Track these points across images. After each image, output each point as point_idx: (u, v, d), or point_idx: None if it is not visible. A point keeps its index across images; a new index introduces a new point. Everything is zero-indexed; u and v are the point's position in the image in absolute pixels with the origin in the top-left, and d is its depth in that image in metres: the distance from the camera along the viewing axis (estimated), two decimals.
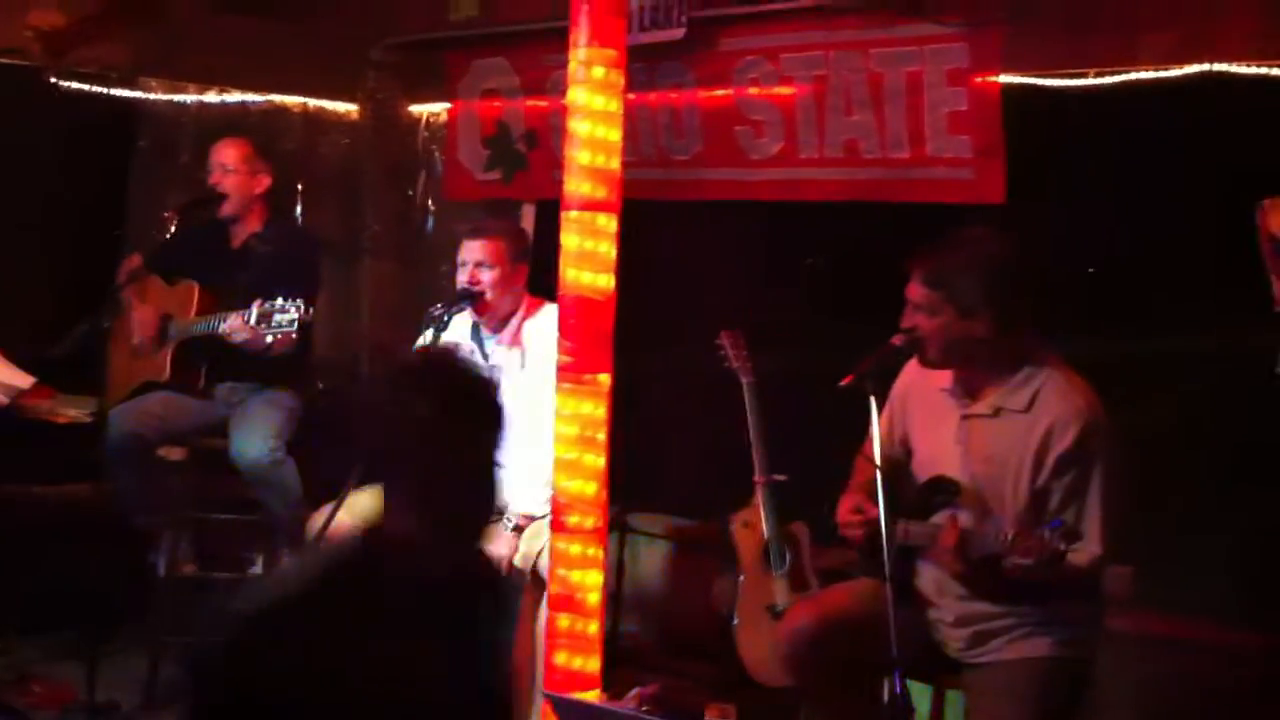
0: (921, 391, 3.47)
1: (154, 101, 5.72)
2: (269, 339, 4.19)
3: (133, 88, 5.67)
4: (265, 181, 4.81)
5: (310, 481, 4.53)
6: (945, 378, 3.37)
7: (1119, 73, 4.04)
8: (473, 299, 4.11)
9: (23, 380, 4.42)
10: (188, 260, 4.76)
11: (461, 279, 4.15)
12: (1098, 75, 4.09)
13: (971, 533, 3.11)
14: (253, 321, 4.19)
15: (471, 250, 4.15)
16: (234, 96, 5.87)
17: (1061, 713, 3.26)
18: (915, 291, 3.25)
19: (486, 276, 4.12)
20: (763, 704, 4.20)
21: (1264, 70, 3.84)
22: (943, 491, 3.29)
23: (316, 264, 4.89)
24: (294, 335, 4.18)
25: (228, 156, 4.74)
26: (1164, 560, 4.00)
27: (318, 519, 4.00)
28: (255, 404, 4.63)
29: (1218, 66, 3.87)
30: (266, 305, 4.16)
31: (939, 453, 3.36)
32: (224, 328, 4.31)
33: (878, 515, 3.22)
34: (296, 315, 4.13)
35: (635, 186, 3.76)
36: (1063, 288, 4.14)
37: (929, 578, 3.37)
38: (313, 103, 6.09)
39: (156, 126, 5.79)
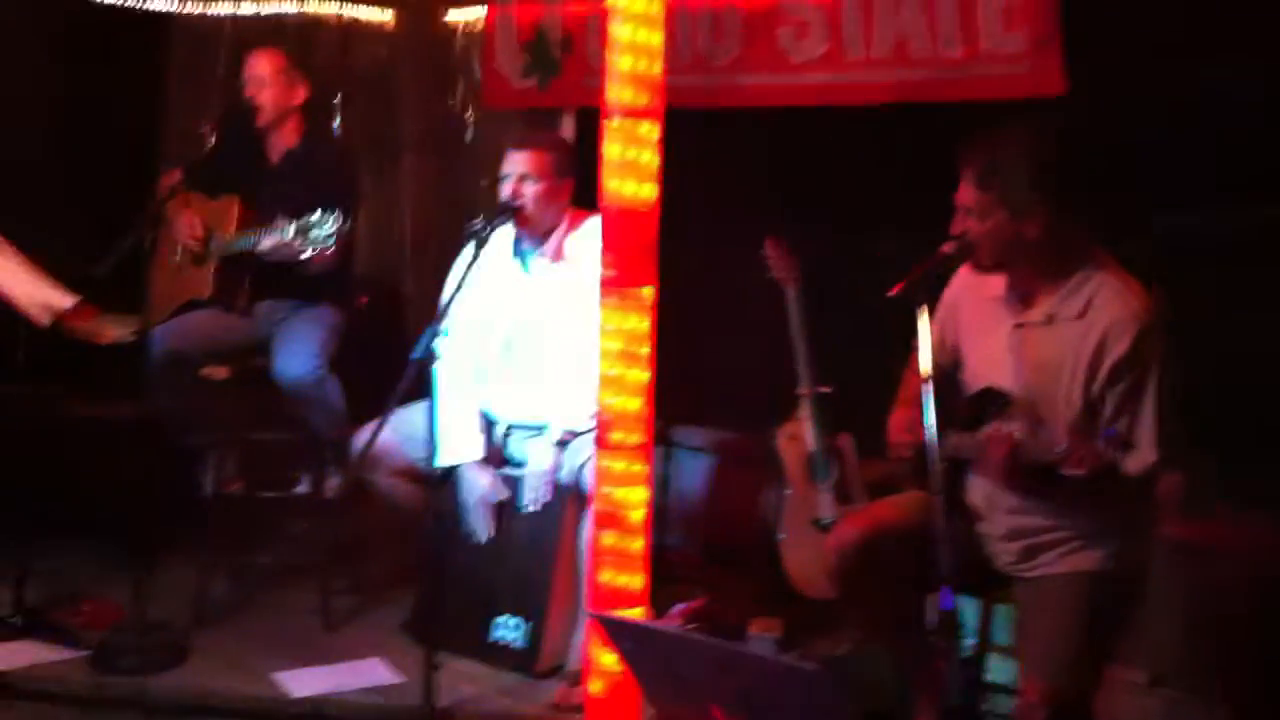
0: (972, 301, 3.38)
1: (188, 15, 5.65)
2: (306, 253, 4.13)
3: (168, 2, 5.59)
4: (301, 93, 4.74)
5: (354, 398, 4.52)
6: (997, 286, 3.28)
7: None
8: (513, 212, 4.04)
9: (65, 300, 4.40)
10: (227, 174, 4.71)
11: (505, 191, 4.08)
12: None
13: (1023, 444, 3.04)
14: (289, 237, 4.14)
15: (515, 162, 4.08)
16: (269, 8, 5.79)
17: (1113, 625, 3.21)
18: (965, 194, 3.16)
19: (530, 190, 4.05)
20: (809, 618, 4.19)
21: None
22: (994, 403, 3.22)
23: (354, 178, 4.83)
24: (330, 250, 4.12)
25: (263, 68, 4.68)
26: (1214, 468, 3.92)
27: (362, 436, 3.99)
28: (298, 321, 4.60)
29: None
30: (304, 219, 4.10)
31: (990, 362, 3.29)
32: (262, 244, 4.27)
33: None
34: (334, 229, 4.07)
35: (675, 93, 3.66)
36: (1122, 182, 4.00)
37: (978, 491, 3.31)
38: (348, 12, 5.99)
39: (192, 40, 5.73)
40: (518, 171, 4.07)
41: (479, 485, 4.12)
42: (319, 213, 4.09)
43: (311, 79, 4.84)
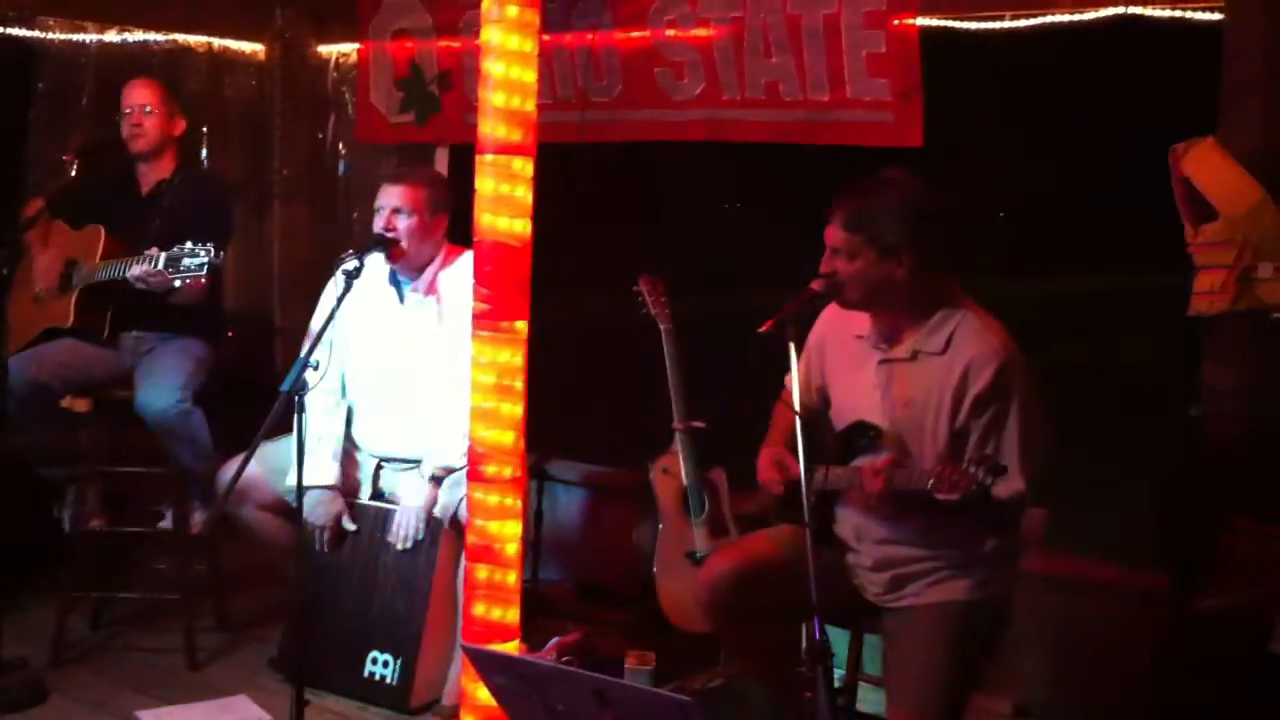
0: (838, 339, 3.46)
1: (53, 41, 5.52)
2: (177, 283, 4.06)
3: (31, 27, 5.47)
4: (180, 124, 4.68)
5: (222, 432, 4.44)
6: (861, 324, 3.37)
7: (1035, 15, 4.04)
8: (386, 245, 4.03)
9: None
10: (94, 203, 4.61)
11: (377, 224, 4.06)
12: (1014, 17, 4.09)
13: (896, 473, 3.11)
14: (160, 265, 4.05)
15: (389, 195, 4.07)
16: (136, 35, 5.69)
17: (978, 655, 3.28)
18: (834, 235, 3.24)
19: (403, 224, 4.04)
20: (684, 650, 4.22)
21: (1178, 13, 3.86)
22: (863, 436, 3.29)
23: (228, 211, 4.76)
24: (203, 280, 4.06)
25: (144, 97, 4.59)
26: (1076, 502, 4.05)
27: (229, 470, 3.93)
28: (162, 353, 4.51)
29: (1133, 9, 3.88)
30: (175, 249, 4.03)
31: (858, 399, 3.36)
32: (133, 271, 4.17)
33: (799, 473, 3.22)
34: (206, 259, 3.99)
35: (553, 130, 3.70)
36: (978, 231, 4.15)
37: (848, 523, 3.38)
38: (218, 42, 5.93)
39: (56, 67, 5.60)
40: (391, 205, 4.05)
41: (323, 511, 4.08)
42: (190, 244, 4.03)
43: (184, 112, 4.78)
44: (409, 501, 4.05)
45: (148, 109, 4.58)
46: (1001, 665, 3.61)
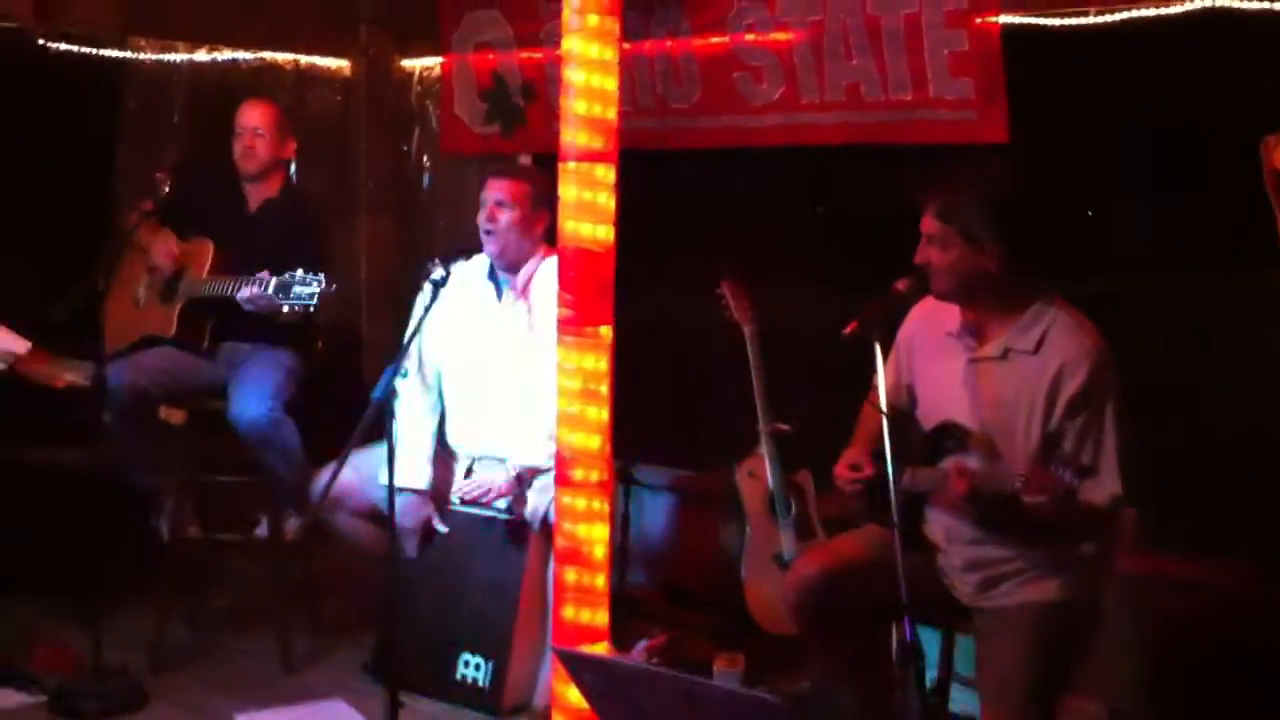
0: (926, 337, 3.44)
1: (143, 61, 5.65)
2: (285, 309, 4.15)
3: (121, 48, 5.60)
4: (291, 146, 4.80)
5: (313, 441, 4.51)
6: (951, 321, 3.34)
7: (1120, 10, 3.99)
8: (469, 253, 4.09)
9: (19, 345, 4.39)
10: (201, 216, 4.70)
11: (481, 217, 4.15)
12: (1099, 13, 4.05)
13: (982, 475, 3.09)
14: (270, 291, 4.14)
15: (493, 189, 4.16)
16: (224, 54, 5.80)
17: (1070, 655, 3.26)
18: (929, 224, 3.22)
19: (504, 217, 4.11)
20: (772, 653, 4.21)
21: (1267, 5, 3.79)
22: (951, 437, 3.27)
23: (325, 231, 4.85)
24: (312, 309, 4.14)
25: (259, 119, 4.70)
26: (1169, 501, 3.99)
27: (323, 478, 4.00)
28: (254, 364, 4.59)
29: (1220, 2, 3.82)
30: (287, 276, 4.11)
31: (946, 398, 3.34)
32: (243, 294, 4.25)
33: (873, 473, 3.21)
34: (318, 289, 4.08)
35: (634, 136, 3.72)
36: (1069, 227, 4.11)
37: (937, 524, 3.35)
38: (304, 59, 6.03)
39: (146, 86, 5.72)
40: (495, 198, 4.14)
41: (413, 515, 4.12)
42: (301, 271, 4.10)
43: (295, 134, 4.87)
44: (489, 474, 4.10)
45: (259, 131, 4.68)
46: (1094, 666, 3.57)
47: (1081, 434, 3.10)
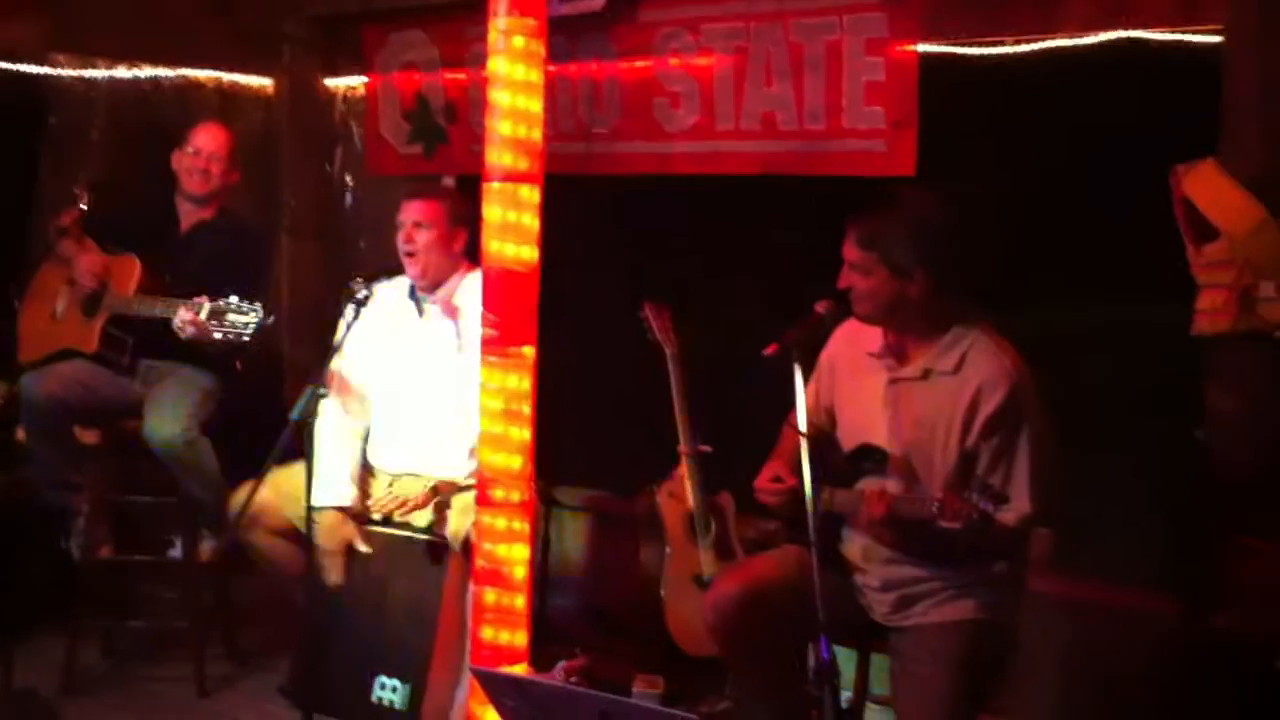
0: (848, 358, 3.49)
1: (63, 77, 5.58)
2: (217, 336, 4.08)
3: (42, 64, 5.53)
4: (236, 176, 4.71)
5: (232, 462, 4.46)
6: (873, 342, 3.39)
7: (1037, 40, 4.08)
8: (393, 273, 4.07)
9: None
10: (128, 232, 4.61)
11: (399, 239, 4.13)
12: (1015, 43, 4.13)
13: (899, 499, 3.13)
14: (203, 316, 4.07)
15: (409, 210, 4.14)
16: (146, 71, 5.75)
17: (986, 675, 3.29)
18: (850, 251, 3.26)
19: (422, 238, 4.10)
20: (691, 675, 4.22)
21: (1178, 36, 3.89)
22: (869, 459, 3.31)
23: (267, 262, 4.80)
24: (246, 339, 4.07)
25: (214, 143, 4.63)
26: (1083, 525, 4.05)
27: (239, 498, 3.95)
28: (170, 383, 4.52)
29: (1133, 33, 3.91)
30: (222, 303, 4.05)
31: (866, 418, 3.38)
32: (175, 320, 4.17)
33: (794, 485, 3.23)
34: (255, 320, 4.02)
35: (556, 161, 3.74)
36: (985, 255, 4.17)
37: (854, 543, 3.39)
38: (227, 77, 5.98)
39: (67, 103, 5.66)
40: (411, 219, 4.12)
41: (335, 535, 4.08)
42: (237, 299, 4.05)
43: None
44: (406, 488, 4.08)
45: (216, 155, 4.62)
46: (1010, 688, 3.62)
47: (996, 454, 3.15)
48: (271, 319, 4.10)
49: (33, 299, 4.59)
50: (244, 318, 4.03)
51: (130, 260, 4.51)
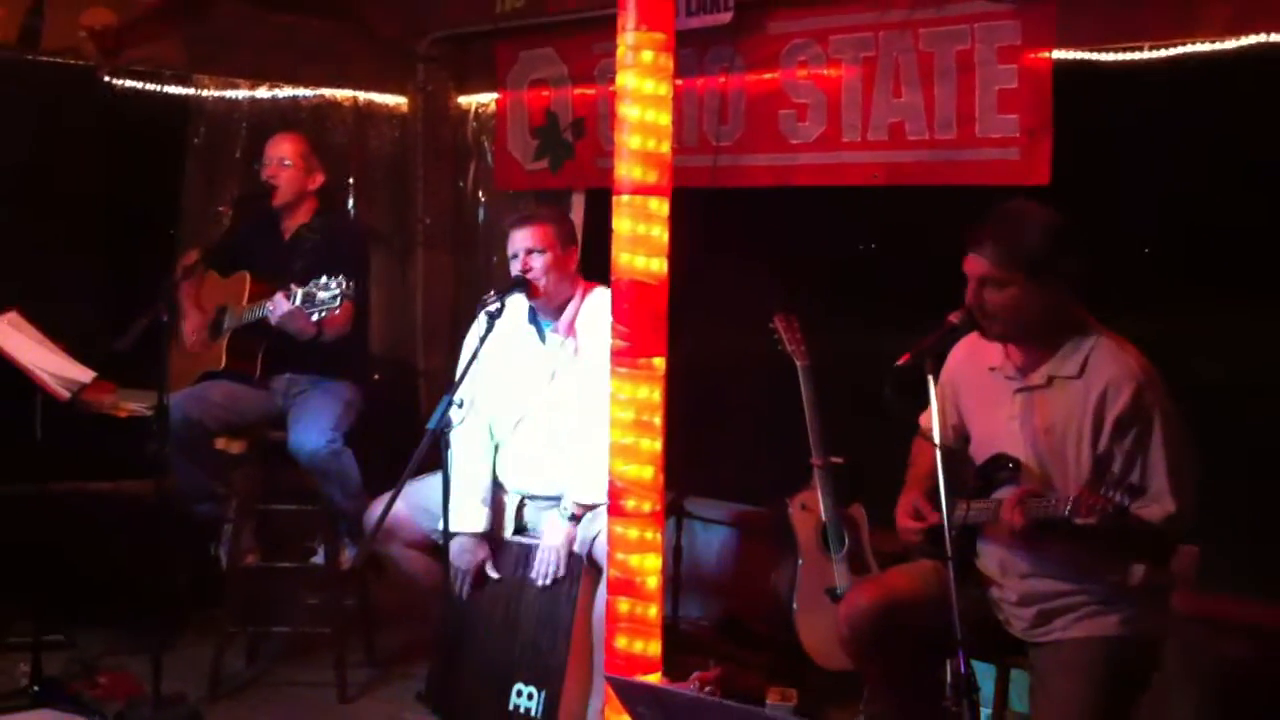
0: (971, 374, 3.45)
1: (207, 98, 5.76)
2: (314, 317, 4.21)
3: (186, 85, 5.71)
4: (319, 178, 4.86)
5: (370, 471, 4.56)
6: (994, 356, 3.36)
7: (1175, 45, 3.99)
8: (525, 285, 4.12)
9: (83, 375, 4.45)
10: (242, 253, 4.82)
11: (515, 268, 4.16)
12: (1152, 49, 4.04)
13: (1034, 503, 3.08)
14: (297, 302, 4.20)
15: (520, 239, 4.16)
16: (285, 91, 5.91)
17: (1128, 692, 3.22)
18: (978, 265, 3.22)
19: (538, 262, 4.13)
20: (825, 688, 4.20)
21: None
22: (1003, 469, 3.27)
23: (364, 251, 4.92)
24: (338, 312, 4.19)
25: (285, 150, 4.80)
26: (1232, 542, 3.95)
27: (377, 508, 4.04)
28: (313, 395, 4.66)
29: (1275, 36, 3.81)
30: (310, 285, 4.18)
31: (997, 431, 3.34)
32: (269, 308, 4.34)
33: (936, 521, 3.19)
34: (339, 290, 4.13)
35: (683, 174, 3.75)
36: (1117, 265, 4.10)
37: (991, 557, 3.35)
38: (363, 96, 6.13)
39: (210, 123, 5.83)
40: (525, 246, 4.15)
41: (469, 558, 4.14)
42: (324, 277, 4.17)
43: (327, 160, 4.95)
44: (550, 540, 4.11)
45: (286, 162, 4.78)
46: (1154, 707, 3.54)
47: (1130, 454, 3.10)
48: (353, 288, 4.17)
49: (177, 334, 4.81)
50: (328, 293, 4.14)
51: (240, 277, 4.71)
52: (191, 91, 5.74)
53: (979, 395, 3.44)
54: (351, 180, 6.09)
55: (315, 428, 4.51)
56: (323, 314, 4.20)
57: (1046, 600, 3.24)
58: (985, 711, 3.52)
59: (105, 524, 4.85)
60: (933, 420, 3.13)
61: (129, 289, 5.18)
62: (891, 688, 3.50)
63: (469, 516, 4.15)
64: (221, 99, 5.79)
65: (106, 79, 5.42)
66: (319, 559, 4.70)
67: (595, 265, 4.07)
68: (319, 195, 4.88)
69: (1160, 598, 3.27)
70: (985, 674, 3.48)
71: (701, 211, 4.18)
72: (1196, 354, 4.03)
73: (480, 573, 4.17)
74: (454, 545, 4.09)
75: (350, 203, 6.08)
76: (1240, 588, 4.03)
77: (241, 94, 5.82)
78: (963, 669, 2.93)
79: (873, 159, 4.65)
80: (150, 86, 5.59)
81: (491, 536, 4.21)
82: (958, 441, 3.49)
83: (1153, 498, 3.06)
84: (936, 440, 3.09)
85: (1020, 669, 3.45)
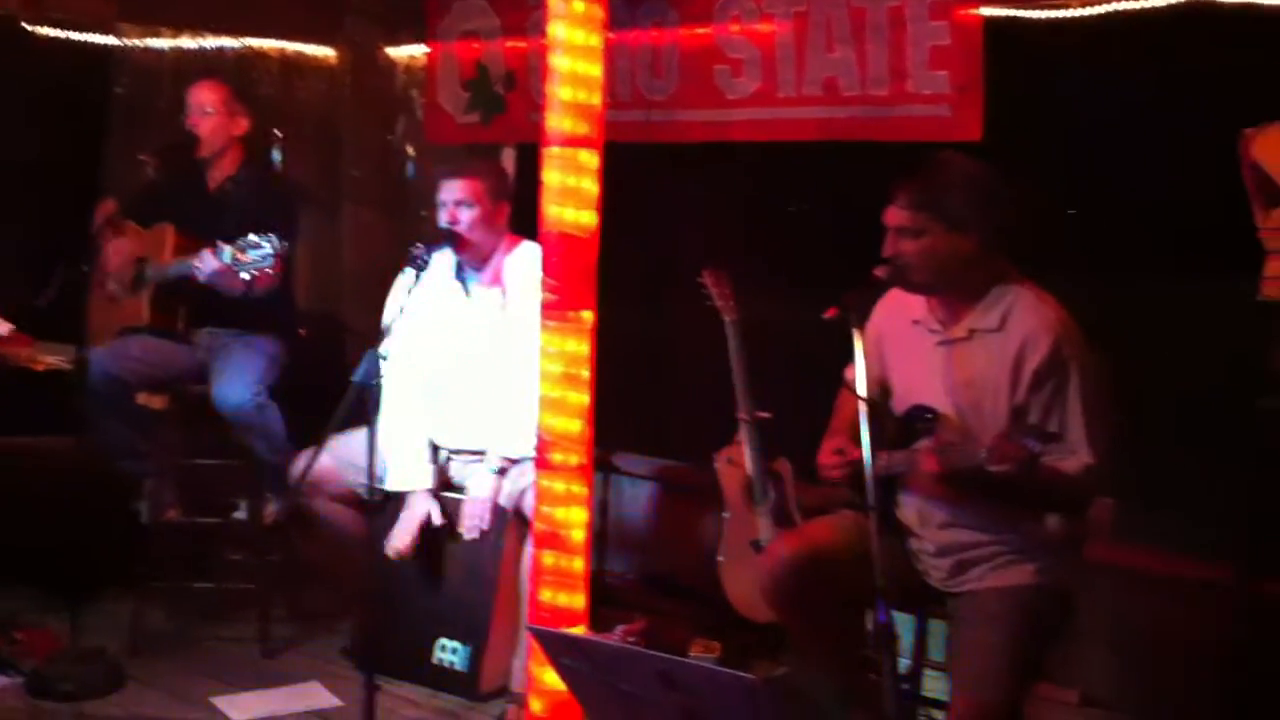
0: (894, 327, 3.47)
1: (130, 47, 5.65)
2: (245, 276, 4.14)
3: (109, 34, 5.60)
4: (243, 124, 4.77)
5: (296, 427, 4.52)
6: (917, 309, 3.38)
7: (1102, 3, 4.01)
8: (453, 239, 4.09)
9: (1, 327, 4.38)
10: (164, 204, 4.73)
11: (442, 218, 4.13)
12: (1081, 5, 4.06)
13: (950, 451, 3.11)
14: (226, 260, 4.14)
15: (450, 189, 4.13)
16: (210, 41, 5.81)
17: (1043, 641, 3.26)
18: (898, 216, 3.24)
19: (466, 216, 4.10)
20: (748, 640, 4.24)
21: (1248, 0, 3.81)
22: (922, 420, 3.29)
23: (294, 208, 4.84)
24: (270, 271, 4.13)
25: (205, 98, 4.70)
26: (1145, 496, 4.01)
27: (300, 462, 4.01)
28: (237, 349, 4.60)
29: None
30: (239, 242, 4.11)
31: (919, 384, 3.37)
32: (197, 265, 4.27)
33: (857, 456, 3.21)
34: (271, 250, 4.06)
35: (616, 129, 3.74)
36: (1046, 222, 4.13)
37: (911, 508, 3.38)
38: (290, 47, 6.03)
39: (133, 73, 5.72)
40: (454, 198, 4.12)
41: (420, 512, 4.13)
42: (254, 235, 4.10)
43: (253, 112, 4.87)
44: (476, 493, 4.10)
45: (208, 109, 4.68)
46: (1068, 655, 3.60)
47: (1047, 405, 3.14)
48: (285, 246, 4.11)
49: (95, 287, 4.72)
50: (260, 250, 4.07)
51: (163, 229, 4.61)
52: (115, 41, 5.63)
53: (902, 348, 3.46)
54: (278, 133, 5.99)
55: (239, 382, 4.46)
56: (254, 273, 4.13)
57: (963, 550, 3.28)
58: (904, 661, 3.55)
59: (23, 479, 4.77)
60: (857, 373, 3.15)
61: (50, 242, 5.09)
62: (813, 638, 3.52)
63: (414, 474, 4.14)
64: (145, 49, 5.68)
65: (28, 28, 5.30)
66: (242, 514, 4.66)
67: (526, 219, 4.05)
68: (245, 144, 4.80)
69: (1075, 548, 3.31)
70: (905, 624, 3.53)
71: (634, 167, 4.16)
72: (1115, 311, 4.07)
73: (429, 528, 4.15)
74: (409, 506, 4.12)
75: (277, 156, 5.99)
76: (1153, 540, 4.09)
77: (166, 44, 5.71)
78: (882, 619, 2.95)
79: (808, 115, 4.65)
80: (73, 35, 5.47)
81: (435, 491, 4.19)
82: (881, 394, 3.51)
83: (1069, 449, 3.09)
84: (860, 392, 3.11)
85: (939, 619, 3.49)
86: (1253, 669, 3.59)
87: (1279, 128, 3.70)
